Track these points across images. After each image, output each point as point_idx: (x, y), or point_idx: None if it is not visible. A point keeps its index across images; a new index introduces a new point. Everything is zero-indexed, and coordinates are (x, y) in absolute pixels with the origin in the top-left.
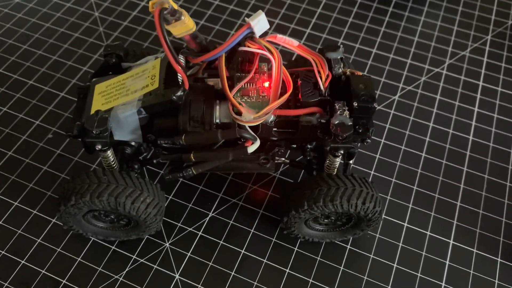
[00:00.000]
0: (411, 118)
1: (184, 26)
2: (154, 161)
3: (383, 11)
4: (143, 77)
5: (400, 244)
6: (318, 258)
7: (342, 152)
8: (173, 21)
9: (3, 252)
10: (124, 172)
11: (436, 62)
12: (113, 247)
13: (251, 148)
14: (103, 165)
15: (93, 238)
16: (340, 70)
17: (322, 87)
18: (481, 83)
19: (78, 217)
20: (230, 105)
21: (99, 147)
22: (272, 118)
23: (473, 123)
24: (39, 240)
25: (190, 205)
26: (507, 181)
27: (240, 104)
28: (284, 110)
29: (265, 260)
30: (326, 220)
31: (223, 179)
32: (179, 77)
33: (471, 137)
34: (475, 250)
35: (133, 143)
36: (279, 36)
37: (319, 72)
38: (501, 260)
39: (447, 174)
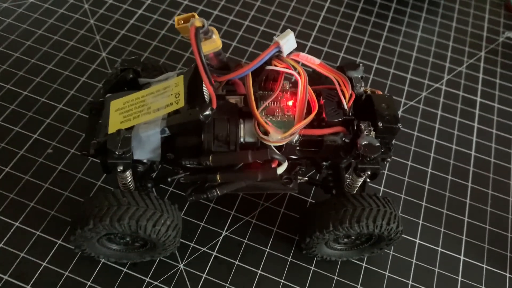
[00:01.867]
0: (415, 134)
1: (213, 44)
2: (169, 179)
3: (380, 26)
4: (166, 94)
5: (414, 261)
6: (335, 277)
7: (369, 172)
8: (203, 39)
9: (5, 278)
10: (143, 193)
11: (435, 77)
12: (125, 270)
13: (281, 169)
14: (119, 184)
15: (103, 261)
16: (362, 89)
17: (346, 107)
18: (479, 99)
19: (93, 240)
20: (255, 124)
21: (121, 168)
22: (297, 137)
23: (474, 138)
24: (44, 263)
25: (202, 224)
26: (509, 196)
27: (266, 123)
28: (309, 129)
29: (282, 280)
30: (346, 240)
31: (234, 196)
32: (205, 95)
33: (473, 153)
34: (485, 266)
35: (145, 161)
36: (302, 54)
37: (342, 91)
38: (510, 275)
39: (453, 190)
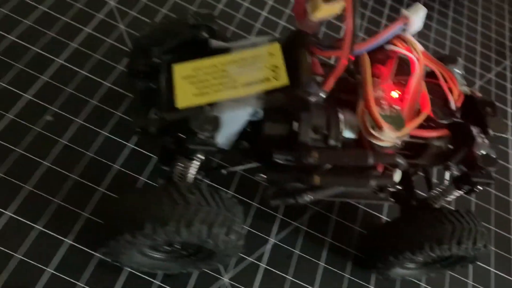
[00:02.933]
0: None
1: (334, 9)
2: (223, 171)
3: None
4: (256, 66)
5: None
6: None
7: (480, 188)
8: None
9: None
10: (212, 189)
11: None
12: (158, 282)
13: (397, 176)
14: (175, 175)
15: (129, 269)
16: (465, 88)
17: (453, 107)
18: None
19: (136, 248)
20: (364, 117)
21: (200, 156)
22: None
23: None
24: (52, 270)
25: (247, 228)
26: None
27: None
28: (417, 130)
29: None
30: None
31: None
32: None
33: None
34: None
35: None
36: (408, 36)
37: (449, 88)
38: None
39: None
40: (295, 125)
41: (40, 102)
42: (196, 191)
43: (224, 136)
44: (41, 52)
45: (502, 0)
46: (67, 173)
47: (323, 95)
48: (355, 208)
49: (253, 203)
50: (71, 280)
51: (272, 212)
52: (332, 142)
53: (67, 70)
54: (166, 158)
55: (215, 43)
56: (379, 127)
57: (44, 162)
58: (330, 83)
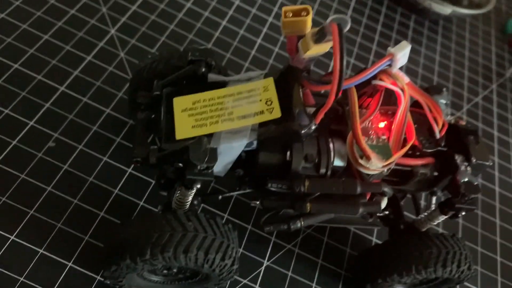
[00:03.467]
0: None
1: (323, 48)
2: (220, 197)
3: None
4: (252, 99)
5: None
6: None
7: (463, 213)
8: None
9: None
10: (208, 216)
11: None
12: None
13: (384, 203)
14: (174, 202)
15: None
16: (449, 117)
17: (437, 136)
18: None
19: (136, 272)
20: (352, 147)
21: (197, 186)
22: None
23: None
24: None
25: (241, 250)
26: None
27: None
28: (402, 158)
29: None
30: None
31: None
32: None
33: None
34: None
35: None
36: (396, 70)
37: (434, 118)
38: None
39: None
40: (288, 154)
41: (43, 128)
42: (194, 218)
43: (220, 165)
44: (44, 80)
45: (488, 25)
46: (68, 197)
47: (313, 127)
48: (346, 231)
49: (247, 226)
50: None
51: (265, 235)
52: (322, 170)
53: (69, 97)
54: (164, 184)
55: (213, 77)
56: (367, 157)
57: (46, 187)
58: (320, 116)
